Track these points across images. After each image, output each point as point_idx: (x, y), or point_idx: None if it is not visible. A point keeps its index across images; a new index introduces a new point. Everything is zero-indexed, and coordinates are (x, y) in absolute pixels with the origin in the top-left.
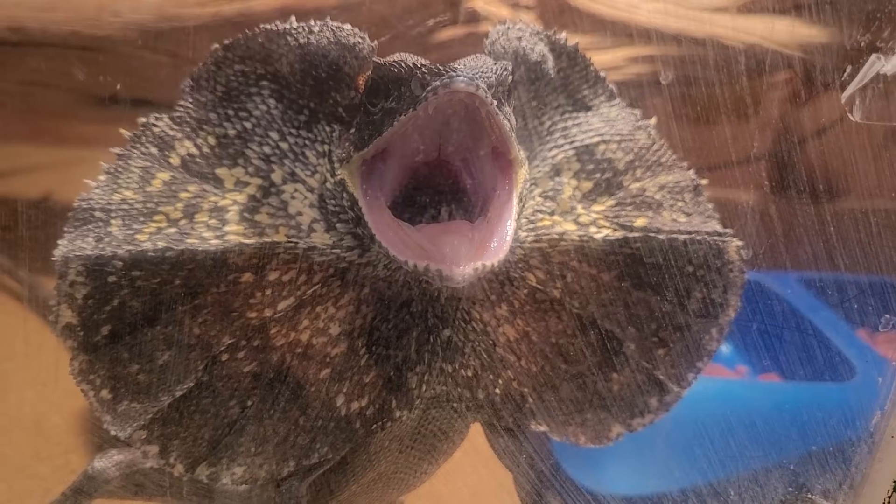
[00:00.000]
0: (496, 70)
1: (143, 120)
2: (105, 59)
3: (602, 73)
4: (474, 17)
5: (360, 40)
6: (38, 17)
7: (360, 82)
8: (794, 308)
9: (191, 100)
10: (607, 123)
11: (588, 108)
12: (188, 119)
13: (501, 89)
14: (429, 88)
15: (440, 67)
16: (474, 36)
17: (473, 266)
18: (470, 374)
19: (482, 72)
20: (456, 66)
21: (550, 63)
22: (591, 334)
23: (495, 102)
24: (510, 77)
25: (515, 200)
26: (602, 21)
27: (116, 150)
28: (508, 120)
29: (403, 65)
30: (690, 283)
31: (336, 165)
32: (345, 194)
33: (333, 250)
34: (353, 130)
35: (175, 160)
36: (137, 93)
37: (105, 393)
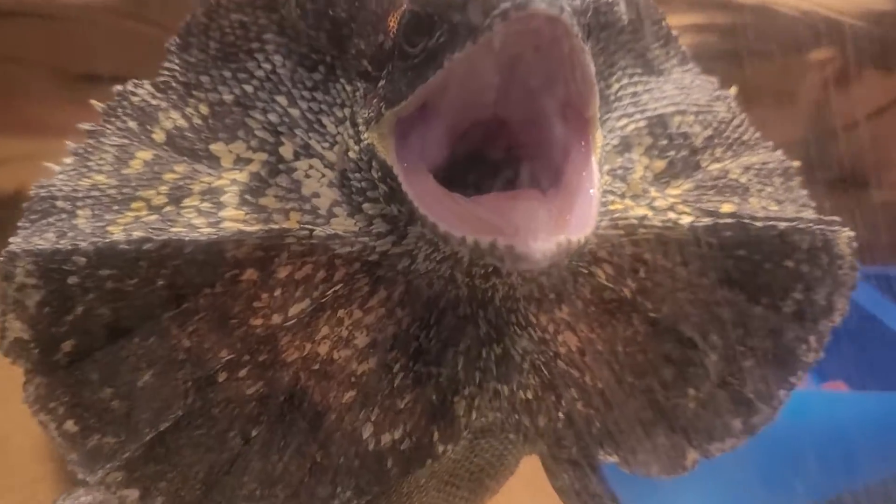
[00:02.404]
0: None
1: (119, 88)
2: (84, 31)
3: (675, 32)
4: None
5: None
6: None
7: (392, 21)
8: (860, 306)
9: (178, 61)
10: (682, 91)
11: (660, 73)
12: (174, 84)
13: (583, 21)
14: (495, 12)
15: None
16: None
17: (557, 240)
18: (530, 395)
19: None
20: None
21: (622, 7)
22: (666, 342)
23: (581, 34)
24: (591, 5)
25: (595, 166)
26: None
27: (86, 125)
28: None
29: None
30: (789, 280)
31: (361, 129)
32: (374, 163)
33: (360, 238)
34: (382, 83)
35: (159, 135)
36: (121, 70)
37: (70, 425)
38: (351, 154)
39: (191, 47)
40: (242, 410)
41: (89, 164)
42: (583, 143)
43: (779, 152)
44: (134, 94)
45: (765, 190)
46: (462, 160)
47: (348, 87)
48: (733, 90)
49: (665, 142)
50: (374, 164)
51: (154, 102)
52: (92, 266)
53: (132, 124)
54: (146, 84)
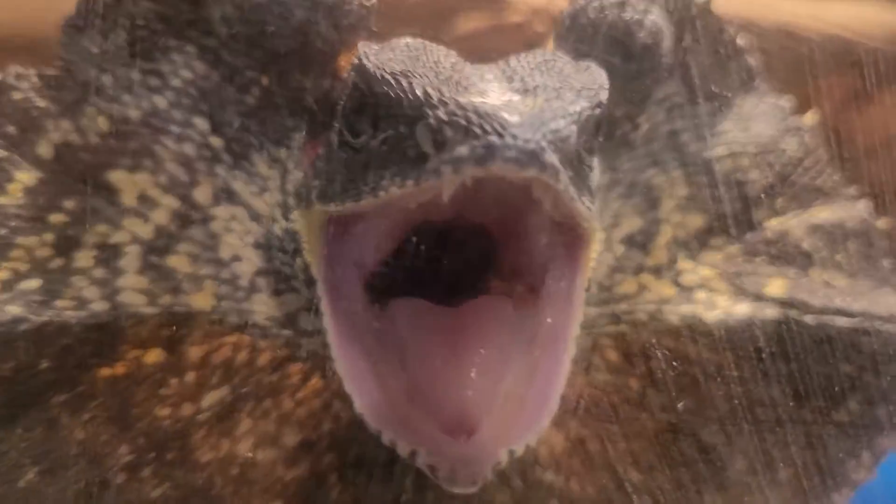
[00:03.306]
0: (581, 110)
1: None
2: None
3: (740, 42)
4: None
5: None
6: None
7: (342, 65)
8: None
9: (74, 50)
10: (739, 124)
11: (712, 99)
12: (69, 83)
13: (586, 136)
14: (446, 157)
15: (475, 113)
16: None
17: (492, 461)
18: None
19: (554, 124)
20: (503, 110)
21: (666, 42)
22: (680, 443)
23: (571, 174)
24: (604, 109)
25: (579, 301)
26: None
27: None
28: (591, 189)
29: (406, 87)
30: (845, 387)
31: (290, 200)
32: (298, 260)
33: (283, 331)
34: (321, 157)
35: (45, 150)
36: None
37: None
38: (277, 229)
39: (91, 31)
40: None
41: None
42: (572, 264)
43: (862, 204)
44: (16, 88)
45: (833, 258)
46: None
47: (288, 122)
48: (810, 117)
49: (707, 192)
50: (298, 260)
51: (41, 104)
52: None
53: (11, 129)
54: (33, 76)
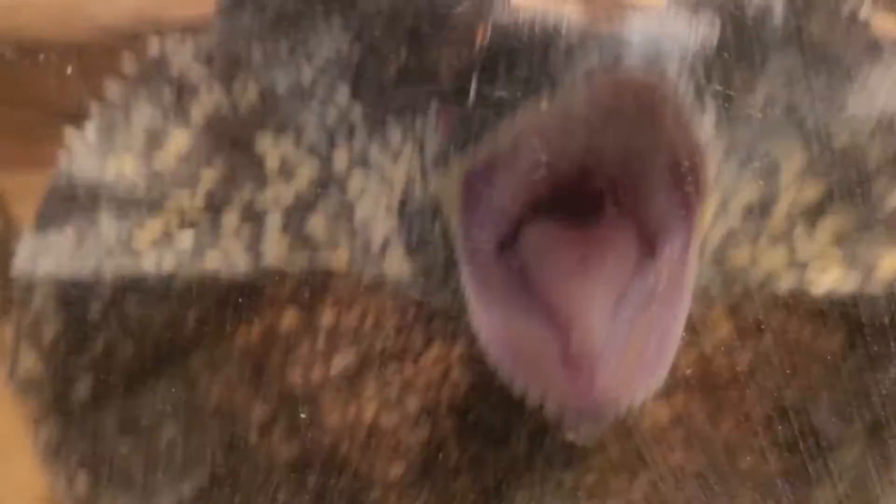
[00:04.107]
0: (697, 40)
1: (156, 46)
2: (76, 67)
3: (862, 15)
4: None
5: None
6: None
7: (476, 41)
8: None
9: (227, 23)
10: (861, 91)
11: (832, 70)
12: (222, 55)
13: (702, 73)
14: (578, 70)
15: (602, 32)
16: None
17: (615, 407)
18: (595, 478)
19: (674, 43)
20: (626, 27)
21: (779, 14)
22: (790, 425)
23: (691, 96)
24: (715, 52)
25: (693, 260)
26: None
27: (113, 89)
28: (706, 122)
29: (539, 25)
30: None
31: (429, 167)
32: (437, 223)
33: (416, 285)
34: (457, 118)
35: (198, 115)
36: None
37: (82, 480)
38: (416, 192)
39: (244, 8)
40: (274, 475)
41: (115, 140)
42: (685, 227)
43: None
44: (172, 59)
45: None
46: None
47: (422, 95)
48: None
49: (827, 159)
50: (437, 223)
51: (195, 73)
52: (116, 295)
53: (168, 96)
54: (188, 49)
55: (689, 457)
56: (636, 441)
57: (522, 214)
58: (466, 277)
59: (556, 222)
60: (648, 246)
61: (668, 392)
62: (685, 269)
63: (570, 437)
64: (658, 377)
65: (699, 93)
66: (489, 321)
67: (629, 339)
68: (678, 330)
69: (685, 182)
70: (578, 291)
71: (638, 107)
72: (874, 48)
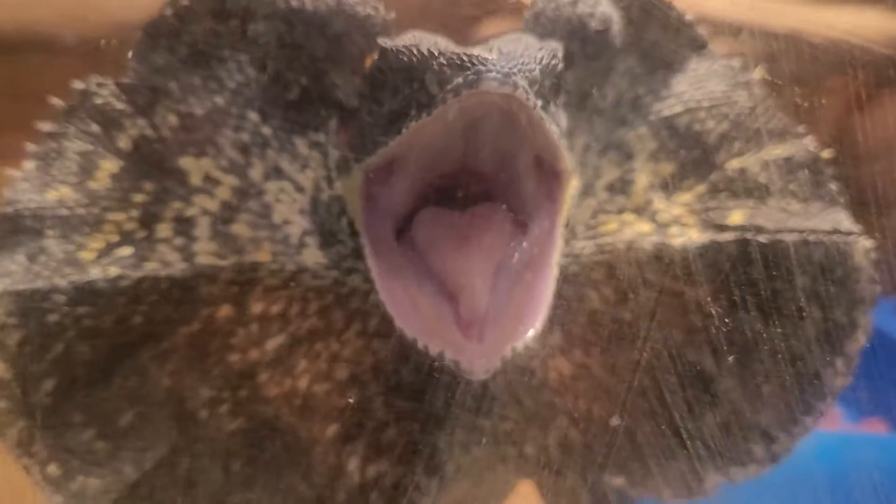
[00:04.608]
0: (541, 58)
1: (80, 86)
2: (92, 64)
3: (688, 18)
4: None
5: (371, 12)
6: (12, 18)
7: (368, 65)
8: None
9: (145, 62)
10: (693, 84)
11: (668, 67)
12: (142, 89)
13: (548, 82)
14: (448, 87)
15: (465, 56)
16: None
17: (500, 355)
18: (511, 426)
19: (522, 62)
20: (486, 54)
21: (615, 28)
22: (675, 368)
23: (540, 103)
24: (560, 65)
25: (560, 232)
26: None
27: (46, 126)
28: (557, 123)
29: (416, 52)
30: (803, 299)
31: (333, 173)
32: (344, 219)
33: (330, 272)
34: (354, 130)
35: (125, 143)
36: None
37: (53, 468)
38: (324, 196)
39: (159, 48)
40: (225, 446)
41: (52, 172)
42: (552, 205)
43: (808, 139)
44: (97, 94)
45: (787, 187)
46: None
47: (322, 113)
48: (759, 72)
49: (674, 143)
50: (343, 218)
51: (119, 106)
52: (70, 304)
53: (95, 128)
54: (110, 84)
55: (592, 404)
56: (545, 393)
57: (415, 206)
58: (371, 262)
59: (443, 211)
60: (520, 226)
61: (567, 348)
62: (552, 243)
63: (468, 377)
64: (535, 328)
65: (553, 97)
66: (392, 296)
67: (508, 300)
68: (549, 291)
69: (547, 172)
70: (464, 265)
71: (500, 113)
72: (699, 44)
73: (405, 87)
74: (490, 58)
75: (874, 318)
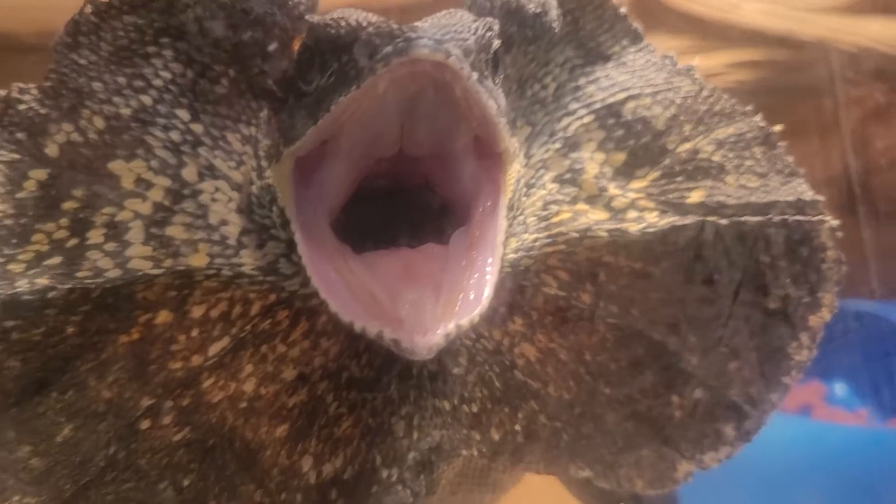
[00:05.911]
0: (475, 29)
1: (2, 93)
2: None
3: (622, 11)
4: None
5: None
6: (11, 18)
7: (295, 49)
8: None
9: (66, 63)
10: (634, 74)
11: (606, 59)
12: (64, 92)
13: (484, 56)
14: (377, 57)
15: (396, 27)
16: None
17: (444, 332)
18: (476, 409)
19: (456, 31)
20: (419, 24)
21: (554, 13)
22: (638, 347)
23: (476, 75)
24: (496, 39)
25: (502, 215)
26: (698, 21)
27: None
28: (495, 99)
29: (343, 24)
30: (768, 277)
31: (263, 163)
32: (275, 208)
33: (268, 277)
34: (283, 115)
35: (52, 150)
36: None
37: None
38: (254, 189)
39: (81, 47)
40: (171, 459)
41: None
42: (493, 187)
43: (758, 117)
44: (20, 101)
45: (744, 164)
46: (369, 191)
47: (253, 104)
48: (696, 61)
49: (621, 131)
50: (274, 208)
51: (43, 112)
52: None
53: (20, 136)
54: (33, 89)
55: (558, 387)
56: (514, 377)
57: (349, 190)
58: (301, 248)
59: (381, 194)
60: (463, 207)
61: (530, 334)
62: (495, 223)
63: (410, 356)
64: (481, 302)
65: (491, 73)
66: (325, 279)
67: (453, 279)
68: (493, 269)
69: (486, 155)
70: (406, 249)
71: (434, 89)
72: (635, 35)
73: (333, 61)
74: (421, 26)
75: None
